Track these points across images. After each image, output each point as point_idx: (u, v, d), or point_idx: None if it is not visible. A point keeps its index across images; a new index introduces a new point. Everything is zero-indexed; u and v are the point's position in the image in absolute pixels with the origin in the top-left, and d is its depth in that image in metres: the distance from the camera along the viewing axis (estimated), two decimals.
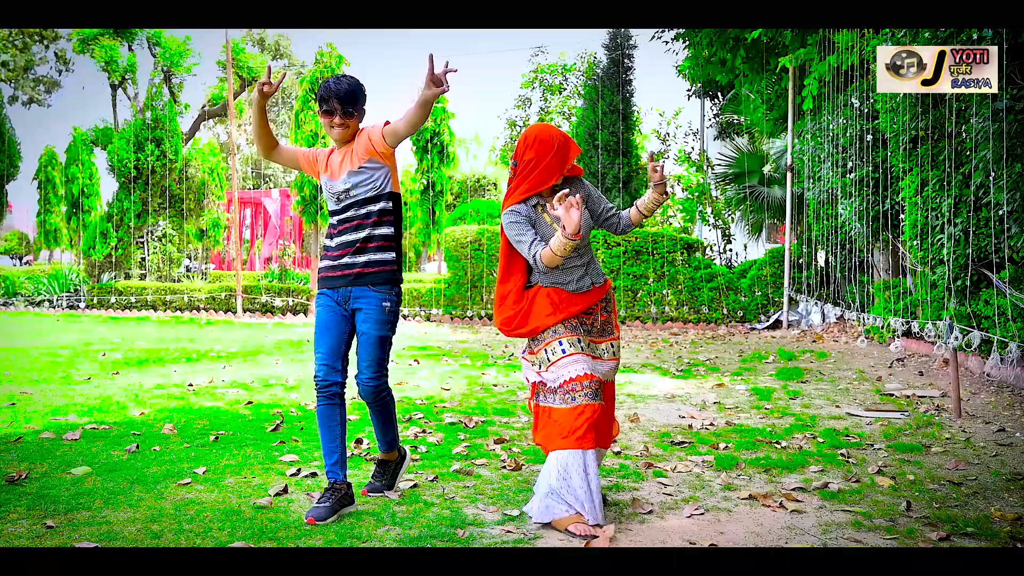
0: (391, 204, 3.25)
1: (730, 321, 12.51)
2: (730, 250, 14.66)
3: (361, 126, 3.29)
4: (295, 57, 36.33)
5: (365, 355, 3.22)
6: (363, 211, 3.21)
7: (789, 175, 11.81)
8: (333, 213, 3.29)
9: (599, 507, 3.00)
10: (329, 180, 3.28)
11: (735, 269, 12.99)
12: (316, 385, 3.21)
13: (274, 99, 35.51)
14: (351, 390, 5.79)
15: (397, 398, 5.66)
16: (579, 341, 3.15)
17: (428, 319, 13.61)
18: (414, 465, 3.94)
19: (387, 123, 3.18)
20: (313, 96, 14.23)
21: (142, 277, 16.45)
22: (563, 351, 3.11)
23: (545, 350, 3.15)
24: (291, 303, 14.65)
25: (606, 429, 3.26)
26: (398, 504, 3.30)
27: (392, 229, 3.26)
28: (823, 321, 11.14)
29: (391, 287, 3.24)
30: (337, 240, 3.25)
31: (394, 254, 3.26)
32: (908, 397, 5.85)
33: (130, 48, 19.09)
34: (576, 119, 16.93)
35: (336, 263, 3.24)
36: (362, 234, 3.20)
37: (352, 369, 3.31)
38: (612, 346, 3.31)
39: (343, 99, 3.16)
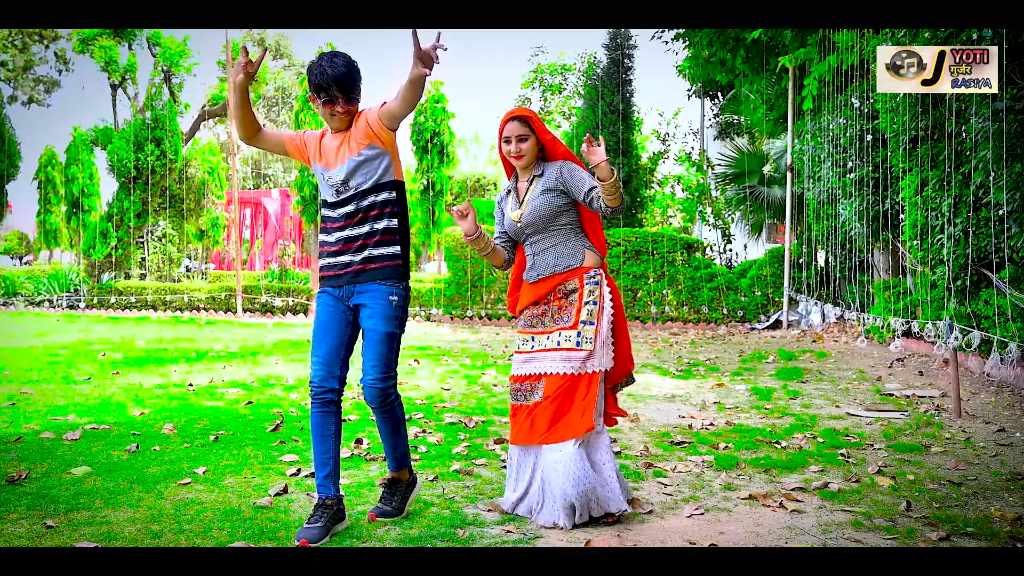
0: (394, 194, 2.99)
1: (730, 321, 12.50)
2: (730, 250, 14.66)
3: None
4: (295, 57, 36.29)
5: (371, 354, 2.95)
6: (364, 203, 2.96)
7: (789, 175, 11.81)
8: (330, 205, 3.02)
9: (520, 498, 3.17)
10: (325, 169, 3.01)
11: (735, 269, 12.99)
12: (311, 391, 2.97)
13: (274, 99, 35.51)
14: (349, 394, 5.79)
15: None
16: (530, 339, 3.23)
17: (428, 319, 13.60)
18: (414, 465, 3.93)
19: (383, 104, 2.93)
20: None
21: (142, 277, 16.44)
22: (517, 347, 3.28)
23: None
24: (291, 303, 14.65)
25: (526, 423, 3.14)
26: None
27: (396, 221, 2.99)
28: (823, 321, 11.14)
29: (398, 281, 2.99)
30: (337, 235, 3.00)
31: (399, 247, 3.00)
32: (908, 397, 5.85)
33: (130, 48, 19.06)
34: (576, 119, 16.93)
35: (335, 260, 3.00)
36: (363, 229, 2.96)
37: (354, 373, 3.12)
38: (560, 335, 3.12)
39: (343, 84, 2.89)
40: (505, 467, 3.89)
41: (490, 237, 3.33)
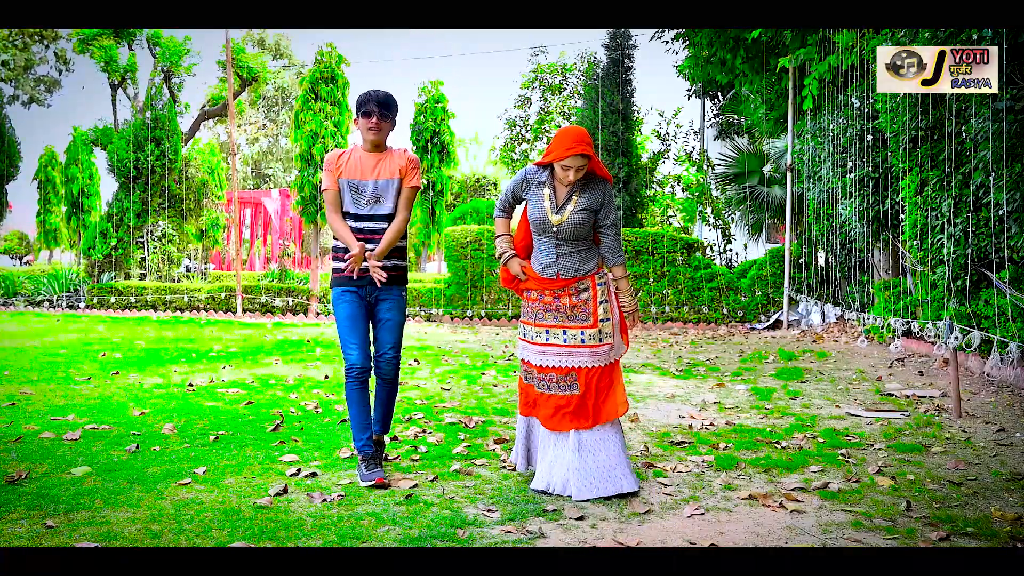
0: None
1: (730, 321, 12.50)
2: (730, 250, 14.66)
3: (392, 145, 3.79)
4: (295, 57, 36.24)
5: (391, 336, 3.76)
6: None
7: (789, 175, 11.81)
8: (354, 217, 3.69)
9: (534, 461, 3.68)
10: (357, 181, 3.68)
11: (735, 269, 12.99)
12: (351, 371, 3.65)
13: (274, 99, 35.50)
14: None
15: (397, 398, 5.67)
16: (543, 332, 3.62)
17: (428, 319, 13.60)
18: (414, 465, 3.95)
19: (416, 181, 3.77)
20: (313, 96, 14.23)
21: (142, 277, 16.44)
22: (530, 337, 3.66)
23: (520, 326, 3.76)
24: (291, 303, 14.65)
25: (549, 412, 3.56)
26: (398, 504, 3.30)
27: (405, 240, 3.83)
28: (823, 321, 11.14)
29: (404, 282, 3.84)
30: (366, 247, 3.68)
31: (405, 260, 3.86)
32: (908, 397, 5.85)
33: (130, 48, 19.05)
34: (576, 119, 16.92)
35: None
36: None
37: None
38: (584, 334, 3.58)
39: (381, 103, 3.64)
40: (505, 467, 3.90)
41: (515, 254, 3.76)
